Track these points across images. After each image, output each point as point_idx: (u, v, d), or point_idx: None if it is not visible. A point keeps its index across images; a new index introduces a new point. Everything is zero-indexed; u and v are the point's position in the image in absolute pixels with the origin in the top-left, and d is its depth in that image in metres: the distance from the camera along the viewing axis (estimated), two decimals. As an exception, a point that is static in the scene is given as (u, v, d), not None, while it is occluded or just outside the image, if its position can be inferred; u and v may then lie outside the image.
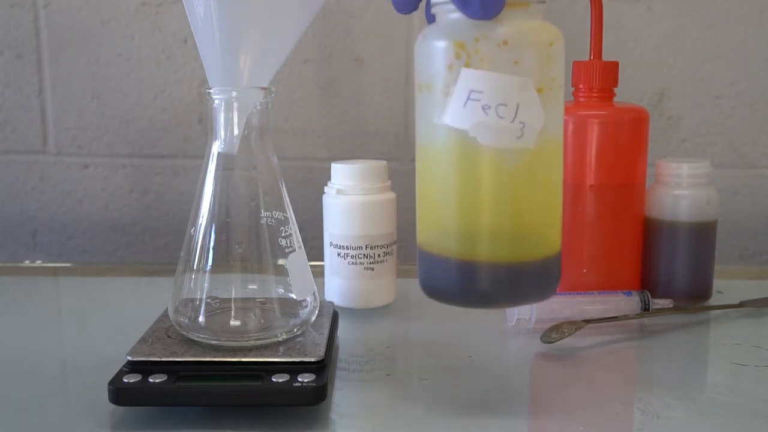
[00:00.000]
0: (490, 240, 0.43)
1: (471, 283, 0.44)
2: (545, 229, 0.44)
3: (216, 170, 0.50)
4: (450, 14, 0.42)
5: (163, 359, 0.46)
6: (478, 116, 0.41)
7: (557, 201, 0.44)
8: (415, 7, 0.45)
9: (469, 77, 0.41)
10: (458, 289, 0.45)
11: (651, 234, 0.65)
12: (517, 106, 0.41)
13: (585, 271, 0.63)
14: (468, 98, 0.41)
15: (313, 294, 0.52)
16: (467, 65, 0.41)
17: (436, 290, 0.46)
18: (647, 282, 0.65)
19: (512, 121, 0.41)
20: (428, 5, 0.45)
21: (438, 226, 0.45)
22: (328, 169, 0.64)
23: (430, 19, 0.45)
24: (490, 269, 0.44)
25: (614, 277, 0.63)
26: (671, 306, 0.62)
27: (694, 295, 0.65)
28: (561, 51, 0.43)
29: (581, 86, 0.63)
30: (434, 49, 0.42)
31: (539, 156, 0.42)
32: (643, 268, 0.65)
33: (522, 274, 0.44)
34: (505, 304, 0.49)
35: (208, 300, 0.50)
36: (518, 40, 0.41)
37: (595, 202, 0.62)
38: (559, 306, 0.59)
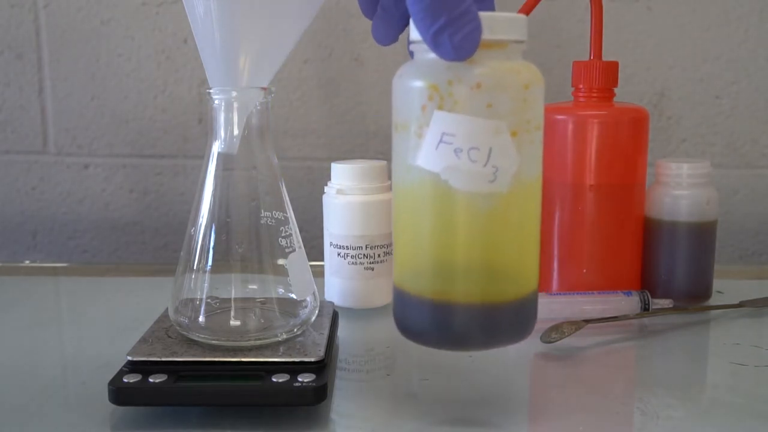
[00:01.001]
0: (462, 282, 0.42)
1: (443, 324, 0.43)
2: (519, 270, 0.43)
3: (216, 170, 0.50)
4: (425, 53, 0.41)
5: (163, 359, 0.46)
6: (449, 159, 0.40)
7: (533, 242, 0.43)
8: (394, 39, 0.45)
9: (441, 120, 0.40)
10: (430, 330, 0.44)
11: (651, 234, 0.65)
12: (490, 150, 0.40)
13: (585, 271, 0.63)
14: (440, 141, 0.40)
15: (313, 294, 0.52)
16: (440, 108, 0.40)
17: (408, 330, 0.45)
18: (647, 282, 0.65)
19: (484, 165, 0.40)
20: (409, 40, 0.43)
21: (411, 266, 0.44)
22: (328, 169, 0.64)
23: (412, 54, 0.44)
24: (462, 311, 0.43)
25: (614, 277, 0.63)
26: (671, 306, 0.62)
27: (694, 295, 0.65)
28: (539, 92, 0.42)
29: (581, 86, 0.63)
30: (408, 90, 0.42)
31: (513, 199, 0.41)
32: (643, 268, 0.65)
33: (495, 316, 0.43)
34: (479, 347, 0.46)
35: (208, 300, 0.50)
36: (492, 83, 0.40)
37: (595, 202, 0.62)
38: (559, 306, 0.59)
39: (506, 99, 0.40)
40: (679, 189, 0.64)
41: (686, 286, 0.64)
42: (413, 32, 0.42)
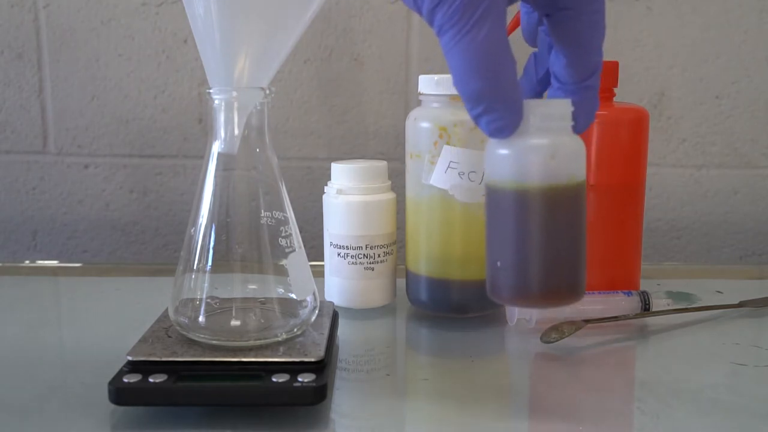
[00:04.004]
0: (462, 265, 0.59)
1: (446, 296, 0.60)
2: None
3: (216, 170, 0.50)
4: (433, 103, 0.59)
5: (163, 359, 0.46)
6: (455, 180, 0.57)
7: None
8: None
9: (449, 152, 0.57)
10: (437, 300, 0.61)
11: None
12: (483, 172, 0.51)
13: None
14: (448, 167, 0.57)
15: (313, 294, 0.52)
16: (448, 143, 0.57)
17: (419, 302, 0.62)
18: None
19: (479, 184, 0.56)
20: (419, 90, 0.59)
21: (424, 255, 0.61)
22: (328, 169, 0.64)
23: (421, 101, 0.60)
24: (460, 286, 0.60)
25: (614, 277, 0.63)
26: (671, 306, 0.62)
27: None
28: None
29: None
30: (422, 130, 0.59)
31: None
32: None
33: (482, 289, 0.52)
34: (471, 313, 0.61)
35: (208, 300, 0.50)
36: None
37: (595, 202, 0.62)
38: (559, 306, 0.59)
39: None
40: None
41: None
42: (421, 86, 0.59)
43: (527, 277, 0.42)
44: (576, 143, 0.43)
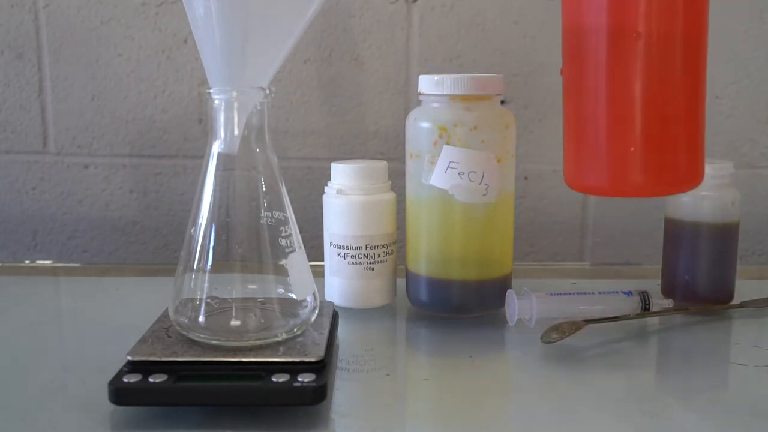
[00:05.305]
0: (462, 265, 0.60)
1: (446, 296, 0.61)
2: (501, 256, 0.61)
3: (216, 170, 0.50)
4: (433, 103, 0.59)
5: (163, 359, 0.46)
6: (455, 180, 0.57)
7: (510, 236, 0.62)
8: None
9: (449, 152, 0.57)
10: (436, 300, 0.61)
11: (673, 236, 0.64)
12: (483, 172, 0.57)
13: (632, 149, 0.51)
14: (448, 167, 0.57)
15: (313, 294, 0.52)
16: (448, 143, 0.57)
17: (420, 302, 0.62)
18: (669, 284, 0.65)
19: (480, 184, 0.57)
20: (419, 91, 0.59)
21: (425, 255, 0.61)
22: (328, 169, 0.64)
23: (420, 102, 0.60)
24: (460, 286, 0.60)
25: (668, 160, 0.51)
26: (671, 306, 0.62)
27: (717, 298, 0.64)
28: (513, 130, 0.59)
29: None
30: (423, 130, 0.59)
31: (498, 207, 0.59)
32: (665, 271, 0.65)
33: (483, 289, 0.61)
34: (471, 312, 0.61)
35: (208, 300, 0.50)
36: (484, 125, 0.57)
37: (645, 55, 0.49)
38: (559, 306, 0.59)
39: (494, 136, 0.58)
40: (702, 190, 0.60)
41: (710, 288, 0.63)
42: (421, 86, 0.59)
43: (696, 285, 0.63)
44: (735, 193, 0.63)
